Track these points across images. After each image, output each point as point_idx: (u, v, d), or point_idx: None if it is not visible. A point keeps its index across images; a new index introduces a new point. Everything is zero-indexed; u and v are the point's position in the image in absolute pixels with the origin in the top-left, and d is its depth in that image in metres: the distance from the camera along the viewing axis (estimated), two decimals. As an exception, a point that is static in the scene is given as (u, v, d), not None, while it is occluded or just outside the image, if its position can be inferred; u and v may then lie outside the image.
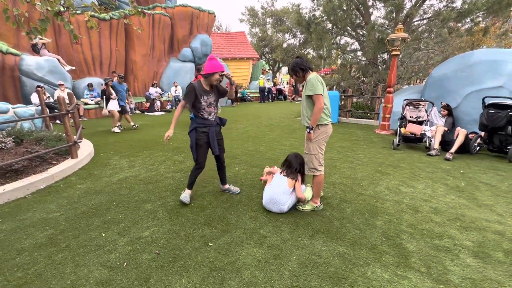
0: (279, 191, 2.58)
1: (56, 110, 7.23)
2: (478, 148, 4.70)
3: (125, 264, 1.90)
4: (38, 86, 7.57)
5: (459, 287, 1.67)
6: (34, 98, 7.69)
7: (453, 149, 4.45)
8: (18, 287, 1.68)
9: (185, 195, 2.84)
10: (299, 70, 2.51)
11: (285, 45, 26.02)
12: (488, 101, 4.49)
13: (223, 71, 2.68)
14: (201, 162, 2.77)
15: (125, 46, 11.50)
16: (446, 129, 4.86)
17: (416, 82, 10.77)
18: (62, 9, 4.01)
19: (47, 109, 6.33)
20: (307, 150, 2.54)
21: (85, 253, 2.02)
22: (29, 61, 8.21)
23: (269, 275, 1.79)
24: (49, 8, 3.77)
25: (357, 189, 3.20)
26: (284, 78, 22.64)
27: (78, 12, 4.42)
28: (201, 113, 2.70)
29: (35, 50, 8.98)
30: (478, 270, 1.83)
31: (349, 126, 7.83)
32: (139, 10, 4.71)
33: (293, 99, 17.29)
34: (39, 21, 3.94)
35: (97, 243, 2.15)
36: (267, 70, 26.22)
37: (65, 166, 3.73)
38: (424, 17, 8.26)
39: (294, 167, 2.71)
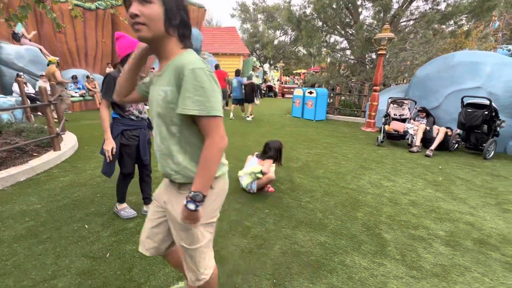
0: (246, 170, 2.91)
1: (38, 102, 6.97)
2: (456, 145, 4.91)
3: (108, 254, 1.90)
4: (18, 76, 7.27)
5: (430, 272, 1.78)
6: (16, 88, 7.38)
7: (433, 146, 4.64)
8: (-4, 278, 1.66)
9: (126, 211, 2.38)
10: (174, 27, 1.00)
11: (276, 42, 26.03)
12: (467, 100, 4.70)
13: None
14: (128, 169, 2.26)
15: (112, 37, 11.18)
16: (427, 127, 5.05)
17: (403, 81, 11.08)
18: (44, -5, 3.86)
19: (28, 100, 6.10)
20: (188, 242, 1.09)
21: (67, 244, 2.00)
22: (9, 49, 7.85)
23: (252, 264, 1.83)
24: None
25: (341, 183, 3.30)
26: (275, 75, 22.70)
27: (61, 0, 4.27)
28: (128, 111, 2.13)
29: (15, 38, 8.58)
30: (448, 257, 1.94)
31: (336, 123, 7.98)
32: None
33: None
34: (20, 8, 3.79)
35: (80, 235, 2.13)
36: (257, 67, 26.24)
37: (47, 159, 3.64)
38: (411, 18, 8.48)
39: (269, 153, 2.95)
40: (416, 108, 5.70)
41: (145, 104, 2.12)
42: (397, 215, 2.54)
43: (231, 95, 9.03)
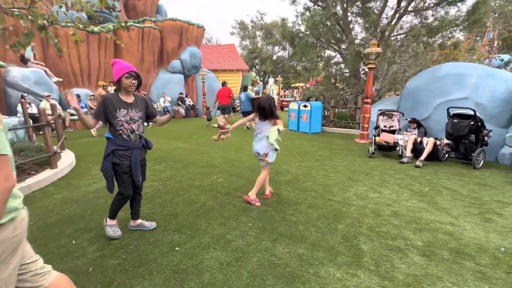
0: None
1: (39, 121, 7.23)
2: (447, 155, 4.96)
3: (91, 269, 1.97)
4: (22, 97, 7.59)
5: (402, 283, 1.82)
6: (20, 108, 7.68)
7: (422, 157, 4.70)
8: (-18, 293, 1.74)
9: (113, 229, 2.38)
10: None
11: (274, 57, 26.71)
12: (452, 111, 4.79)
13: (133, 70, 2.16)
14: (126, 190, 2.28)
15: (114, 58, 11.64)
16: (418, 138, 5.12)
17: (396, 93, 11.26)
18: (46, 23, 4.16)
19: (31, 120, 6.35)
20: None
21: (53, 260, 2.08)
22: (15, 72, 8.25)
23: (228, 276, 1.89)
24: (33, 20, 3.91)
25: (327, 195, 3.36)
26: (274, 89, 23.18)
27: (62, 24, 4.57)
28: (120, 131, 2.17)
29: (23, 61, 9.03)
30: (422, 267, 1.98)
31: (331, 136, 8.08)
32: (123, 25, 4.90)
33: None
34: (23, 35, 4.07)
35: (67, 250, 2.22)
36: (258, 81, 26.82)
37: (43, 177, 3.77)
38: (400, 32, 8.77)
39: (270, 113, 2.96)
40: (405, 119, 5.80)
41: (147, 124, 2.33)
42: (378, 226, 2.59)
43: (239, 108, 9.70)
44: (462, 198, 3.27)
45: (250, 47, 26.99)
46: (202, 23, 14.22)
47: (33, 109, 7.99)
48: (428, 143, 4.82)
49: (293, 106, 9.02)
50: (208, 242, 2.32)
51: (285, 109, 18.56)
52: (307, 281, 1.84)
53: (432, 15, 8.50)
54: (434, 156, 4.87)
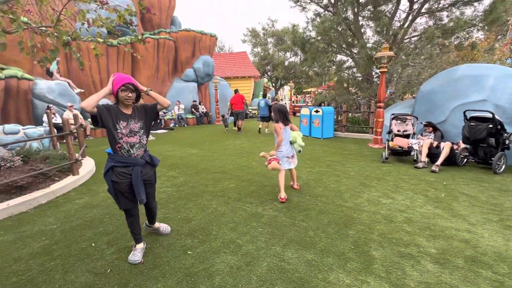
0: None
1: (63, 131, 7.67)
2: (465, 160, 4.78)
3: (109, 270, 2.08)
4: (47, 108, 8.09)
5: (413, 290, 1.79)
6: (45, 118, 8.19)
7: (438, 162, 4.56)
8: (11, 290, 1.88)
9: (133, 253, 2.21)
10: None
11: (286, 63, 26.85)
12: (469, 114, 4.64)
13: (130, 82, 2.00)
14: (129, 209, 2.15)
15: (132, 69, 12.19)
16: (434, 142, 4.97)
17: (413, 95, 10.98)
18: (70, 39, 4.47)
19: (55, 129, 6.75)
20: None
21: (75, 261, 2.22)
22: (42, 85, 8.82)
23: (238, 280, 1.93)
24: (58, 36, 4.21)
25: (338, 201, 3.34)
26: (286, 94, 23.22)
27: (83, 39, 4.89)
28: (119, 145, 2.01)
29: (48, 74, 9.66)
30: (436, 275, 1.93)
31: (343, 141, 7.99)
32: (140, 38, 5.17)
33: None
34: (49, 51, 4.39)
35: (87, 252, 2.35)
36: (270, 87, 27.00)
37: (66, 183, 4.00)
38: (413, 34, 8.60)
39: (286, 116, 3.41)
40: (420, 123, 5.66)
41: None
42: (390, 232, 2.55)
43: (258, 114, 10.18)
44: (480, 205, 3.15)
45: (261, 54, 27.30)
46: (214, 33, 14.61)
47: (57, 119, 8.49)
48: (445, 147, 4.67)
49: (305, 111, 9.02)
50: (219, 246, 2.38)
51: (297, 114, 18.52)
52: (316, 287, 1.85)
53: (447, 16, 8.30)
54: (451, 160, 4.71)
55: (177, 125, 12.94)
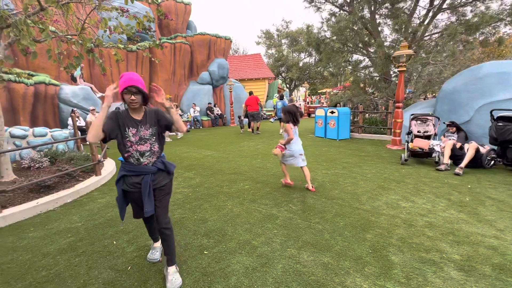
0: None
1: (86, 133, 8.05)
2: (492, 162, 4.52)
3: (129, 267, 2.16)
4: (72, 111, 8.52)
5: (436, 298, 1.72)
6: (70, 121, 8.64)
7: (463, 164, 4.35)
8: (41, 284, 2.00)
9: (151, 252, 2.28)
10: None
11: (300, 63, 26.67)
12: (497, 114, 4.39)
13: (132, 85, 1.76)
14: (138, 217, 2.11)
15: (150, 73, 12.60)
16: (458, 143, 4.75)
17: (434, 95, 10.55)
18: (93, 46, 4.71)
19: (79, 132, 7.10)
20: None
21: (98, 258, 2.32)
22: (67, 90, 9.31)
23: (254, 281, 1.95)
24: (83, 44, 4.44)
25: (355, 204, 3.27)
26: (300, 95, 23.06)
27: (105, 45, 5.14)
28: (128, 153, 1.85)
29: (73, 79, 10.20)
30: (460, 282, 1.85)
31: (360, 142, 7.80)
32: (157, 43, 5.34)
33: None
34: (74, 58, 4.64)
35: (109, 250, 2.45)
36: (284, 89, 26.92)
37: (89, 183, 4.20)
38: (434, 31, 8.27)
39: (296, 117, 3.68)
40: (443, 123, 5.43)
41: (176, 133, 2.00)
42: (410, 237, 2.46)
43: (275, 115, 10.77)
44: (509, 209, 2.97)
45: (276, 55, 27.30)
46: (229, 36, 14.80)
47: (81, 122, 8.92)
48: (469, 149, 4.45)
49: (320, 112, 8.91)
50: (234, 247, 2.41)
51: (312, 115, 18.32)
52: (333, 290, 1.82)
53: (471, 11, 7.92)
54: (477, 163, 4.48)
55: (192, 127, 13.19)
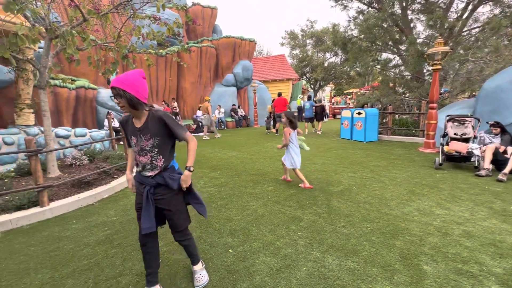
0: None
1: (120, 133, 8.61)
2: (543, 168, 4.08)
3: (159, 261, 2.28)
4: (108, 113, 9.16)
5: (474, 313, 1.60)
6: (106, 123, 9.32)
7: (506, 169, 3.98)
8: (84, 271, 2.19)
9: (195, 276, 1.97)
10: None
11: (326, 63, 26.11)
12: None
13: (113, 85, 1.49)
14: (140, 237, 1.82)
15: (177, 76, 13.15)
16: (502, 147, 4.36)
17: (473, 94, 9.77)
18: (128, 52, 5.04)
19: (114, 132, 7.62)
20: None
21: (131, 250, 2.48)
22: (103, 93, 10.04)
23: (278, 282, 1.96)
24: (119, 50, 4.76)
25: (383, 209, 3.14)
26: (325, 96, 22.59)
27: (138, 51, 5.46)
28: (136, 162, 1.76)
29: (109, 83, 11.00)
30: (503, 298, 1.70)
31: (389, 144, 7.45)
32: (186, 48, 5.56)
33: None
34: (111, 64, 5.00)
35: (141, 243, 2.61)
36: (308, 89, 26.53)
37: (123, 180, 4.49)
38: (473, 26, 7.66)
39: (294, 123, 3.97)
40: (486, 122, 4.99)
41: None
42: (445, 246, 2.31)
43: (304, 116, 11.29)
44: None
45: (300, 55, 27.01)
46: (253, 38, 14.96)
47: (115, 123, 9.56)
48: (515, 153, 4.06)
49: (346, 113, 8.66)
50: (258, 247, 2.44)
51: (337, 116, 17.86)
52: (359, 297, 1.77)
53: (518, 2, 7.21)
54: (524, 168, 4.07)
55: (217, 128, 13.50)
